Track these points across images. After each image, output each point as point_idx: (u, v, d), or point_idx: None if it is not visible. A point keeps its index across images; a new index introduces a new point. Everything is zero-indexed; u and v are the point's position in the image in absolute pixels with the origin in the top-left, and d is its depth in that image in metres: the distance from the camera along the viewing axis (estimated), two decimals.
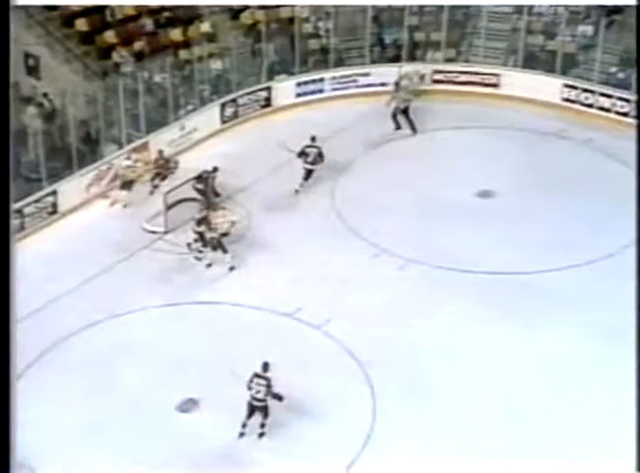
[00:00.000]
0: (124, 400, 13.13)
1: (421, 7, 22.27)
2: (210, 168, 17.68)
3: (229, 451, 12.30)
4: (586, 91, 20.96)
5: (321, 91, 21.35)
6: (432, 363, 13.74)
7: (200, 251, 16.12)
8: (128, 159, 18.16)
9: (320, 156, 18.15)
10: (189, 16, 21.54)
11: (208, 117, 20.23)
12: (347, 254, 16.29)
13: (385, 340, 13.96)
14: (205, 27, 21.51)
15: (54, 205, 17.31)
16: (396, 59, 22.11)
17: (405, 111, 20.29)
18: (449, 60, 22.22)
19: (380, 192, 18.10)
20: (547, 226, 16.98)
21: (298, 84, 21.43)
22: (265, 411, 12.52)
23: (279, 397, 12.52)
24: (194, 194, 17.56)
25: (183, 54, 20.71)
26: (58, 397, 13.15)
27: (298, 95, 21.42)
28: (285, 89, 21.37)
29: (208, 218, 16.05)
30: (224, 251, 16.04)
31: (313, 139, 18.18)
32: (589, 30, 21.66)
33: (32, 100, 19.14)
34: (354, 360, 13.73)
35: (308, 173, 18.14)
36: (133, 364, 13.82)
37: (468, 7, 22.22)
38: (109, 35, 20.64)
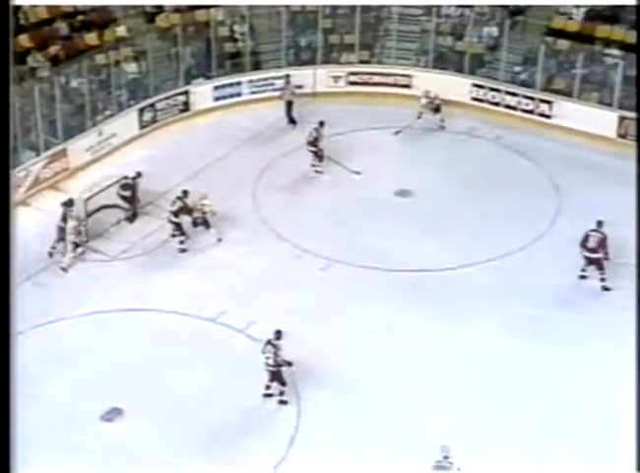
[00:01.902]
0: (48, 410, 13.06)
1: (335, 10, 22.72)
2: (131, 175, 17.72)
3: (154, 460, 12.30)
4: (493, 90, 21.72)
5: (239, 94, 21.56)
6: (357, 362, 14.01)
7: (182, 243, 16.69)
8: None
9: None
10: (104, 20, 21.45)
11: (126, 123, 20.24)
12: (269, 256, 16.58)
13: (310, 341, 14.17)
14: (121, 30, 21.45)
15: None
16: (311, 62, 22.52)
17: (289, 105, 20.87)
18: (363, 62, 22.71)
19: (301, 193, 18.48)
20: (464, 222, 17.56)
21: (216, 87, 21.60)
22: (279, 378, 13.14)
23: (288, 363, 13.12)
24: (115, 201, 17.59)
25: (100, 59, 20.63)
26: None
27: (216, 98, 21.61)
28: (203, 93, 21.53)
29: (185, 206, 16.70)
30: (208, 227, 16.91)
31: (321, 123, 19.01)
32: (494, 31, 22.44)
33: None
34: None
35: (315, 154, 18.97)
36: (56, 374, 13.75)
37: (381, 8, 22.73)
38: (24, 39, 20.39)
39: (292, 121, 21.04)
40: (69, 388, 13.55)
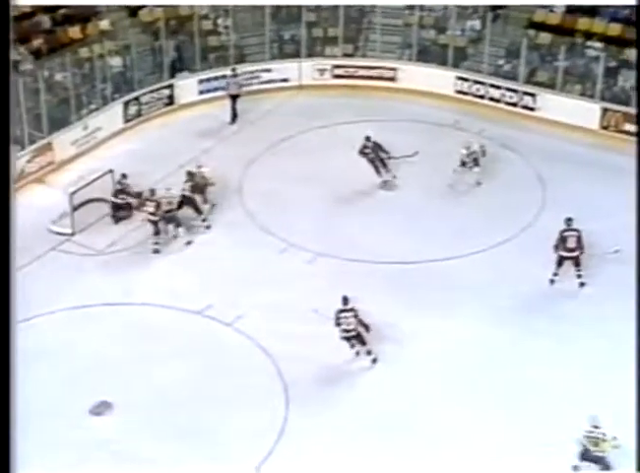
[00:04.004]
0: (35, 405, 12.77)
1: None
2: (118, 177, 17.58)
3: (143, 453, 12.32)
4: (477, 82, 21.81)
5: (223, 88, 21.47)
6: (345, 355, 14.03)
7: (157, 243, 16.65)
8: None
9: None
10: (87, 13, 21.37)
11: (111, 116, 20.22)
12: (255, 250, 16.59)
13: (296, 334, 14.22)
14: (104, 24, 21.41)
15: None
16: (295, 55, 22.55)
17: (234, 99, 20.82)
18: (347, 55, 22.77)
19: (286, 187, 18.45)
20: (449, 214, 17.65)
21: (201, 81, 21.60)
22: (360, 339, 13.66)
23: (366, 326, 13.60)
24: (100, 195, 17.56)
25: (83, 52, 20.57)
26: None
27: (201, 92, 21.60)
28: (187, 86, 21.52)
29: (158, 204, 16.61)
30: (179, 225, 16.87)
31: (368, 138, 18.38)
32: (476, 24, 22.55)
33: None
34: (267, 355, 14.01)
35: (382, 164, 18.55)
36: (43, 368, 13.67)
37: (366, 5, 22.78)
38: None
39: (234, 117, 20.90)
40: (55, 383, 13.52)
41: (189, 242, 16.90)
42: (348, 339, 13.74)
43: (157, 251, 16.63)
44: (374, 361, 13.92)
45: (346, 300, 13.70)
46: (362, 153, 18.35)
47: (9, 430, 6.07)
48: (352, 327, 13.63)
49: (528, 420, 12.85)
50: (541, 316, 14.95)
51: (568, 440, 11.84)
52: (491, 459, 12.20)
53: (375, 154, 18.43)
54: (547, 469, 12.05)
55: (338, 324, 13.63)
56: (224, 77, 21.45)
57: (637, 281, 14.78)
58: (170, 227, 16.91)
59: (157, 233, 16.70)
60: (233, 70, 21.29)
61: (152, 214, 16.65)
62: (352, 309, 13.63)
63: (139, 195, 17.41)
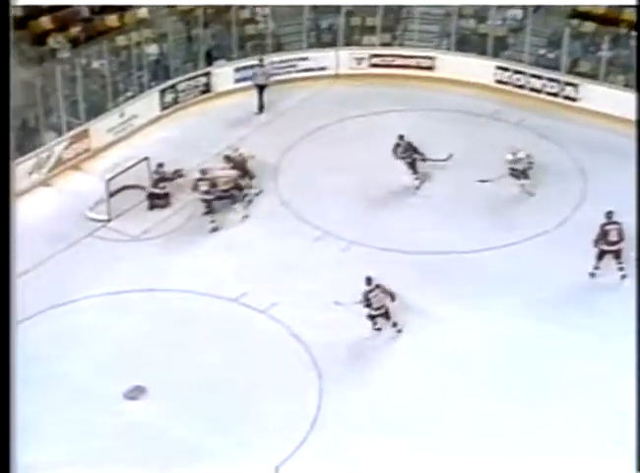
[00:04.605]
0: (69, 390, 13.11)
1: None
2: (155, 166, 17.55)
3: (177, 438, 12.34)
4: (517, 72, 21.50)
5: (250, 78, 21.10)
6: (378, 344, 14.00)
7: (213, 221, 16.82)
8: None
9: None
10: (125, 2, 21.40)
11: (147, 104, 20.25)
12: (290, 238, 16.52)
13: (331, 322, 14.14)
14: (142, 12, 21.41)
15: None
16: (332, 44, 22.39)
17: (261, 89, 20.61)
18: (385, 44, 22.56)
19: (321, 175, 18.34)
20: (486, 205, 17.39)
21: (237, 69, 21.50)
22: (386, 315, 13.98)
23: (392, 295, 13.92)
24: (136, 182, 17.56)
25: (120, 40, 20.60)
26: None
27: (237, 80, 21.50)
28: (224, 74, 21.45)
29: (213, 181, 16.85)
30: (235, 202, 17.15)
31: (401, 137, 18.02)
32: (518, 13, 22.22)
33: None
34: (300, 343, 13.95)
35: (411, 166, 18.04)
36: (76, 353, 13.78)
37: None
38: (44, 21, 20.41)
39: (261, 107, 20.73)
40: (90, 367, 13.57)
41: (246, 216, 16.99)
42: (374, 317, 13.93)
43: (215, 229, 16.74)
44: (399, 331, 14.13)
45: (369, 279, 13.85)
46: (394, 152, 18.01)
47: (9, 430, 5.96)
48: (382, 304, 13.89)
49: (556, 415, 12.62)
50: (578, 310, 14.66)
51: (599, 437, 11.57)
52: (513, 456, 11.98)
53: (408, 154, 17.98)
54: (580, 465, 11.79)
55: (368, 305, 13.79)
56: (251, 67, 21.27)
57: (637, 281, 14.48)
58: (227, 204, 17.14)
59: (211, 211, 16.77)
60: (260, 60, 21.12)
61: (206, 192, 16.66)
62: (377, 286, 13.85)
63: (176, 173, 17.49)
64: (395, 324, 14.15)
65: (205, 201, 16.89)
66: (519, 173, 17.68)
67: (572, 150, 19.18)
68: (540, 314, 14.51)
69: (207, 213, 16.89)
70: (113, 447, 12.24)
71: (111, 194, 17.18)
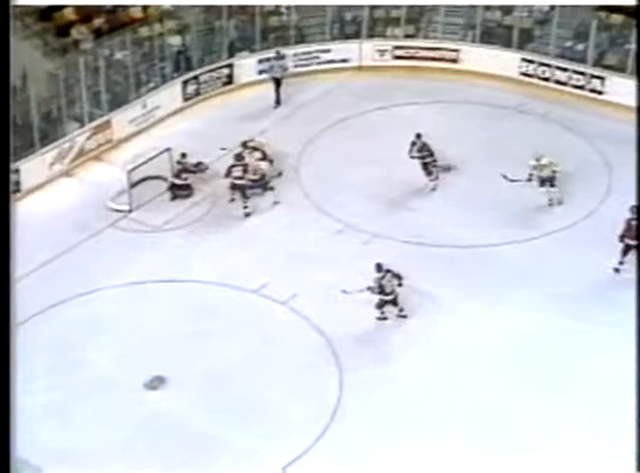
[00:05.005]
0: (91, 379, 13.16)
1: None
2: (178, 156, 17.51)
3: (197, 429, 12.34)
4: (543, 65, 21.26)
5: (266, 71, 20.94)
6: (398, 338, 13.93)
7: (246, 207, 16.91)
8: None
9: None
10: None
11: (170, 95, 20.23)
12: (311, 230, 16.46)
13: (351, 315, 14.08)
14: (166, 4, 21.35)
15: (17, 183, 17.22)
16: (356, 36, 22.25)
17: (278, 82, 20.48)
18: (408, 36, 22.38)
19: (343, 167, 18.24)
20: (509, 198, 17.16)
21: (260, 61, 21.41)
22: (395, 302, 14.09)
23: (399, 277, 14.00)
24: (158, 173, 17.56)
25: (143, 31, 20.58)
26: (23, 378, 13.08)
27: (260, 72, 21.40)
28: (246, 66, 21.38)
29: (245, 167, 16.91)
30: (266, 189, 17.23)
31: (418, 136, 17.66)
32: (544, 5, 21.94)
33: None
34: (321, 335, 13.90)
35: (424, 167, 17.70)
36: (100, 342, 13.85)
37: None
38: (68, 12, 20.45)
39: (278, 100, 20.60)
40: (111, 357, 13.62)
41: (276, 202, 17.07)
42: (384, 304, 14.00)
43: (248, 215, 16.81)
44: (405, 317, 14.20)
45: (379, 266, 13.91)
46: (409, 150, 17.65)
47: (9, 430, 5.94)
48: (393, 289, 13.95)
49: (575, 412, 12.50)
50: (599, 305, 14.50)
51: (619, 433, 11.40)
52: (532, 453, 11.88)
53: (422, 154, 17.57)
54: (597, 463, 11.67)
55: (381, 292, 13.83)
56: (268, 60, 21.13)
57: (637, 280, 14.28)
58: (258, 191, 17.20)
59: (244, 196, 16.85)
60: (278, 52, 20.99)
61: (239, 178, 16.72)
62: (388, 271, 13.89)
63: (198, 166, 17.46)
64: (402, 310, 14.21)
65: (237, 186, 16.86)
66: (544, 181, 17.00)
67: (598, 143, 18.94)
68: (560, 309, 14.36)
69: (240, 197, 16.94)
70: (133, 436, 12.28)
71: (133, 185, 17.19)
